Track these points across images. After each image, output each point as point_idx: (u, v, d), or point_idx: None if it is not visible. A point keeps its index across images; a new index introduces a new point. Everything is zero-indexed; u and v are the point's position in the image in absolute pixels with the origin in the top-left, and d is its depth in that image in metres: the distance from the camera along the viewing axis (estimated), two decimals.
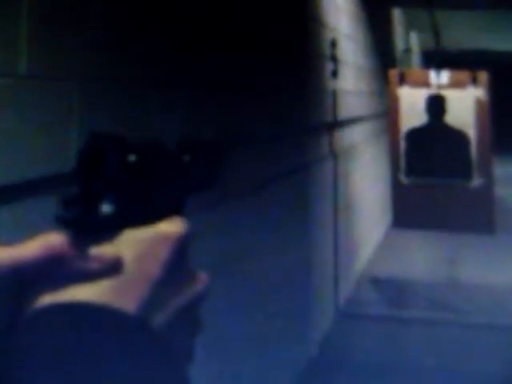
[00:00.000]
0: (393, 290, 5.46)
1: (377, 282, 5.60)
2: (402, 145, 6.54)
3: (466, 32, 10.21)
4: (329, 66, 4.83)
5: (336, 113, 4.99)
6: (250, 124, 3.09)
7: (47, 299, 0.43)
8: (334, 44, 4.95)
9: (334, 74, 4.96)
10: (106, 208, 0.46)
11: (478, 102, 6.69)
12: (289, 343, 3.62)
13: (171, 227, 0.47)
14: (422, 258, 6.31)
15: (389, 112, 6.73)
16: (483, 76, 6.84)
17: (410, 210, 6.55)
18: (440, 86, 6.66)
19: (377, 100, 7.02)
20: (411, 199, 6.56)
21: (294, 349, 3.74)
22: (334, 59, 4.95)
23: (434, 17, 7.65)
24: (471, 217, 6.52)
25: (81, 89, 1.73)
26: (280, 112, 3.54)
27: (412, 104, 6.57)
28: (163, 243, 0.46)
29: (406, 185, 6.55)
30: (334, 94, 4.95)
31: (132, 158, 0.47)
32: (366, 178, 6.27)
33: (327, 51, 4.80)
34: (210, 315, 2.32)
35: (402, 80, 6.66)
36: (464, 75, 6.82)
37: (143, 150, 0.48)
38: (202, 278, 0.49)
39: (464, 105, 6.63)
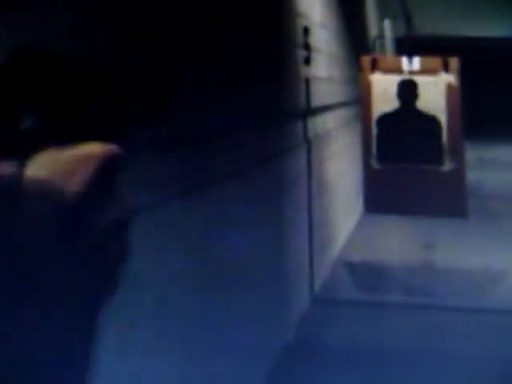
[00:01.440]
0: (368, 274, 5.52)
1: (352, 267, 5.65)
2: (374, 130, 6.59)
3: (438, 19, 10.28)
4: (302, 54, 4.85)
5: (309, 100, 5.01)
6: (223, 112, 3.10)
7: None
8: (306, 31, 4.97)
9: (307, 61, 4.98)
10: (24, 122, 0.43)
11: (450, 88, 6.76)
12: (264, 328, 3.65)
13: (96, 149, 0.45)
14: (397, 242, 6.38)
15: (361, 98, 6.78)
16: (454, 62, 6.91)
17: (381, 195, 6.60)
18: (412, 72, 6.71)
19: (350, 87, 7.06)
20: (383, 184, 6.61)
21: (269, 334, 3.78)
22: (307, 47, 4.97)
23: (406, 4, 7.70)
24: (443, 201, 6.60)
25: None
26: (253, 100, 3.55)
27: (384, 90, 6.62)
28: (84, 162, 0.44)
29: (378, 170, 6.60)
30: (307, 81, 4.97)
31: (57, 72, 0.44)
32: (340, 165, 6.31)
33: (300, 39, 4.82)
34: (182, 303, 2.32)
35: (375, 66, 6.70)
36: (435, 61, 6.88)
37: (75, 66, 0.45)
38: (129, 203, 0.47)
39: (435, 90, 6.69)
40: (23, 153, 0.43)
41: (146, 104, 0.49)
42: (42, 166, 0.43)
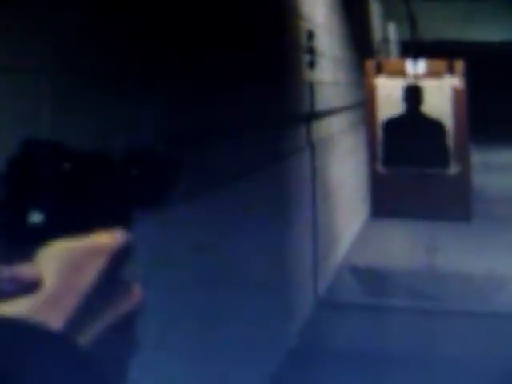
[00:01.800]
0: (372, 278, 5.50)
1: (356, 271, 5.64)
2: (379, 135, 6.58)
3: (443, 22, 10.27)
4: (306, 58, 4.85)
5: (313, 104, 5.01)
6: (227, 115, 3.10)
7: None
8: (311, 35, 4.96)
9: (311, 65, 4.97)
10: (34, 217, 0.44)
11: (455, 91, 6.75)
12: (268, 332, 3.64)
13: (105, 239, 0.45)
14: (401, 246, 6.36)
15: (366, 102, 6.77)
16: (459, 65, 6.89)
17: (387, 200, 6.59)
18: (417, 76, 6.70)
19: (354, 90, 7.05)
20: (388, 189, 6.60)
21: (272, 338, 3.77)
22: (311, 50, 4.97)
23: (411, 7, 7.69)
24: (448, 205, 6.58)
25: (51, 82, 1.73)
26: (257, 103, 3.55)
27: (389, 94, 6.61)
28: (93, 256, 0.44)
29: (384, 174, 6.58)
30: (312, 85, 4.97)
31: (67, 166, 0.45)
32: (344, 169, 6.30)
33: (304, 42, 4.81)
34: (187, 309, 2.32)
35: (379, 70, 6.69)
36: (440, 65, 6.86)
37: (81, 160, 0.46)
38: (137, 294, 0.47)
39: (441, 94, 6.68)
40: (33, 246, 0.44)
41: (150, 190, 0.50)
42: (53, 260, 0.43)
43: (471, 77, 7.06)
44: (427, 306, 4.79)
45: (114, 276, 0.45)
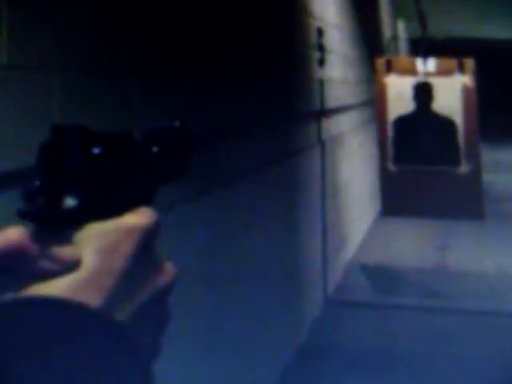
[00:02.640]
0: (382, 276, 5.49)
1: (366, 269, 5.63)
2: (390, 132, 6.56)
3: (453, 20, 10.23)
4: (316, 55, 4.84)
5: (323, 101, 5.00)
6: (238, 113, 3.10)
7: (6, 296, 0.42)
8: (320, 33, 4.95)
9: (321, 62, 4.96)
10: (69, 201, 0.45)
11: (465, 89, 6.72)
12: (277, 330, 3.64)
13: (136, 219, 0.46)
14: (411, 244, 6.34)
15: (376, 100, 6.75)
16: (470, 63, 6.87)
17: (398, 198, 6.57)
18: (427, 74, 6.68)
19: (364, 88, 7.03)
20: (399, 187, 6.58)
21: (283, 336, 3.77)
22: (321, 48, 4.96)
23: (421, 5, 7.67)
24: (459, 203, 6.55)
25: (62, 79, 1.74)
26: (267, 101, 3.54)
27: (399, 92, 6.59)
28: (127, 236, 0.45)
29: (394, 172, 6.57)
30: (321, 82, 4.96)
31: (96, 149, 0.46)
32: (353, 166, 6.28)
33: (314, 40, 4.80)
34: (198, 306, 2.32)
35: (389, 68, 6.67)
36: (451, 62, 6.84)
37: (108, 142, 0.47)
38: (169, 270, 0.48)
39: (451, 92, 6.65)
40: (70, 229, 0.45)
41: (174, 165, 0.51)
42: (89, 241, 0.45)
43: (482, 74, 7.03)
44: (437, 305, 4.77)
45: (146, 253, 0.46)
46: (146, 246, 0.46)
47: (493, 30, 11.37)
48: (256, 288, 3.26)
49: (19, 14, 1.59)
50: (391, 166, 6.71)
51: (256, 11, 3.46)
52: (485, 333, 4.26)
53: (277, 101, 3.75)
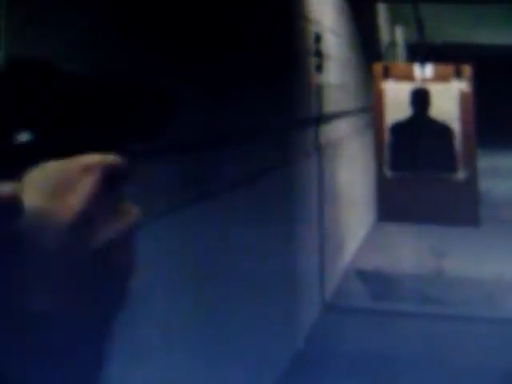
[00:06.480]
0: (379, 282, 5.49)
1: (363, 275, 5.62)
2: (387, 138, 6.57)
3: (451, 25, 10.25)
4: (313, 61, 4.84)
5: (321, 107, 5.00)
6: (235, 119, 3.09)
7: None
8: (318, 38, 4.96)
9: (319, 68, 4.96)
10: (21, 136, 0.42)
11: (462, 95, 6.73)
12: (274, 337, 3.63)
13: (96, 159, 0.43)
14: (408, 250, 6.34)
15: (373, 106, 6.76)
16: (467, 69, 6.88)
17: (394, 204, 6.58)
18: (424, 80, 6.69)
19: (362, 94, 7.04)
20: (396, 193, 6.58)
21: (280, 342, 3.76)
22: (319, 54, 4.96)
23: (419, 11, 7.68)
24: (456, 209, 6.56)
25: None
26: (264, 107, 3.54)
27: (396, 98, 6.59)
28: (87, 173, 0.42)
29: (391, 178, 6.57)
30: (319, 88, 4.96)
31: (57, 85, 0.44)
32: (351, 172, 6.28)
33: (312, 45, 4.81)
34: (191, 310, 2.30)
35: (387, 74, 6.68)
36: (448, 69, 6.85)
37: (72, 80, 0.45)
38: (133, 212, 0.45)
39: (448, 98, 6.66)
40: (20, 166, 0.41)
41: (146, 116, 0.49)
42: (42, 179, 0.41)
43: (479, 80, 7.04)
44: (434, 311, 4.77)
45: (109, 196, 0.43)
46: (108, 188, 0.43)
47: (491, 35, 11.40)
48: (252, 294, 3.25)
49: (20, 17, 1.58)
50: (388, 172, 6.72)
51: (254, 17, 3.46)
52: (482, 339, 4.26)
53: (274, 106, 3.74)
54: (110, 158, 0.44)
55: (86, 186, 0.42)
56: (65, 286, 0.41)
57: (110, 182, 0.43)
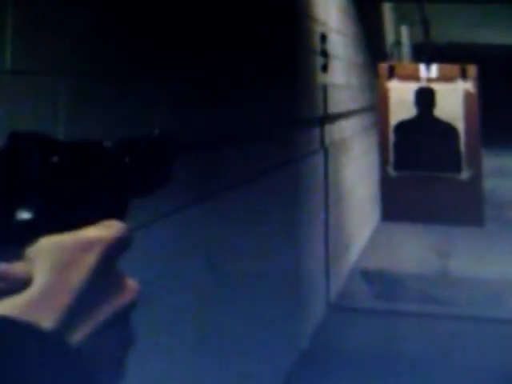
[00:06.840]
0: (384, 282, 5.48)
1: (368, 275, 5.62)
2: (391, 138, 6.56)
3: (456, 25, 10.23)
4: (319, 61, 4.84)
5: (326, 107, 5.00)
6: (240, 118, 3.10)
7: None
8: (323, 38, 4.95)
9: (324, 68, 4.96)
10: (22, 213, 0.42)
11: (467, 95, 6.72)
12: (280, 337, 3.63)
13: (97, 232, 0.43)
14: (413, 250, 6.33)
15: (378, 105, 6.75)
16: (472, 69, 6.86)
17: (399, 203, 6.57)
18: (429, 79, 6.68)
19: (367, 94, 7.03)
20: (400, 192, 6.57)
21: (285, 342, 3.76)
22: (324, 53, 4.96)
23: (424, 10, 7.67)
24: (460, 209, 6.54)
25: (67, 83, 1.74)
26: (270, 106, 3.54)
27: (401, 97, 6.58)
28: (86, 250, 0.42)
29: (395, 178, 6.56)
30: (325, 88, 4.96)
31: (55, 159, 0.43)
32: (356, 172, 6.28)
33: (317, 46, 4.81)
34: (197, 310, 2.31)
35: (392, 73, 6.67)
36: (453, 68, 6.83)
37: (69, 151, 0.44)
38: (132, 287, 0.45)
39: (453, 98, 6.65)
40: (22, 243, 0.41)
41: (149, 177, 0.48)
42: (43, 257, 0.41)
43: (485, 80, 7.03)
44: (439, 311, 4.76)
45: (107, 270, 0.43)
46: (107, 262, 0.43)
47: (496, 35, 11.37)
48: (258, 294, 3.26)
49: (24, 18, 1.59)
50: (392, 172, 6.71)
51: (259, 16, 3.47)
52: (486, 339, 4.25)
53: (280, 106, 3.75)
54: (112, 230, 0.43)
55: (86, 264, 0.42)
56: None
57: (111, 258, 0.43)
